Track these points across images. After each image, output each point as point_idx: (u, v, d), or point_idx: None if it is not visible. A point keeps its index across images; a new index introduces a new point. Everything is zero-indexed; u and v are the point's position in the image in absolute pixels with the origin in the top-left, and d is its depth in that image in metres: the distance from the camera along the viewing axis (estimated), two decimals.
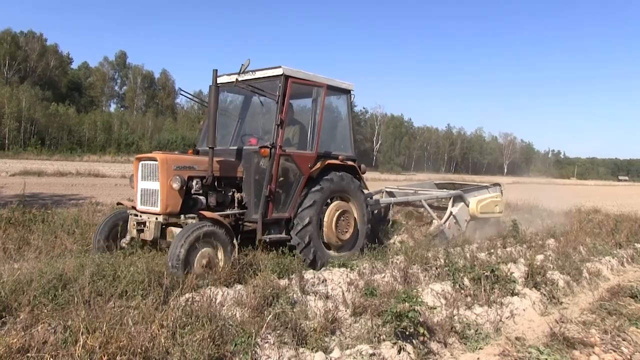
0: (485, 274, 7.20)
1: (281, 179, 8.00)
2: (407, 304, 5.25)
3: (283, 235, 8.05)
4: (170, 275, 5.83)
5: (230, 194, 8.03)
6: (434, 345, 5.48)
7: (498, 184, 13.22)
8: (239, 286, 6.13)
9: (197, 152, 8.76)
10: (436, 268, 7.96)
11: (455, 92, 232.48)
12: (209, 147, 7.32)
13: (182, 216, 7.21)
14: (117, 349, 3.93)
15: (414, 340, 5.24)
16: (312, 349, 4.80)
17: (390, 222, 11.63)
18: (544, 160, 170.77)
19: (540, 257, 9.36)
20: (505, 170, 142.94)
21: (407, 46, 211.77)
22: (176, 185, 7.05)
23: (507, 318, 6.57)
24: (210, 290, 5.70)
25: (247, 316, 5.10)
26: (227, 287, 6.12)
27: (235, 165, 8.14)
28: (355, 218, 8.96)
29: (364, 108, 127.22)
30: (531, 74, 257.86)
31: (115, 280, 5.56)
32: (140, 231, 7.32)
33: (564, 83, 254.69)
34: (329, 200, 8.65)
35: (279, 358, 4.53)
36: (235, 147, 8.53)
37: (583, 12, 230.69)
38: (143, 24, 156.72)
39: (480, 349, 5.61)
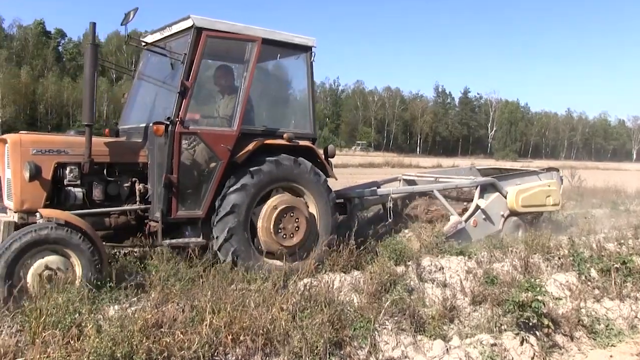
0: (616, 265, 6.74)
1: (189, 166, 6.24)
2: (530, 293, 5.05)
3: (194, 239, 6.22)
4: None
5: (127, 184, 6.28)
6: (559, 339, 5.25)
7: (555, 169, 10.56)
8: (355, 272, 6.20)
9: (116, 133, 7.07)
10: (559, 258, 7.56)
11: (576, 75, 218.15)
12: (86, 125, 5.69)
13: (38, 214, 5.51)
14: (240, 329, 4.12)
15: (537, 332, 5.06)
16: (430, 337, 4.77)
17: (391, 218, 8.69)
18: None
19: None
20: (634, 157, 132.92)
21: (522, 27, 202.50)
22: (27, 175, 5.49)
23: None
24: (328, 276, 5.81)
25: (365, 302, 5.11)
26: (344, 273, 6.21)
27: (137, 148, 6.37)
28: (309, 215, 6.69)
29: (478, 94, 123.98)
30: None
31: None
32: None
33: None
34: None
35: (397, 344, 4.54)
36: (144, 125, 6.54)
37: None
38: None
39: (612, 345, 5.29)
